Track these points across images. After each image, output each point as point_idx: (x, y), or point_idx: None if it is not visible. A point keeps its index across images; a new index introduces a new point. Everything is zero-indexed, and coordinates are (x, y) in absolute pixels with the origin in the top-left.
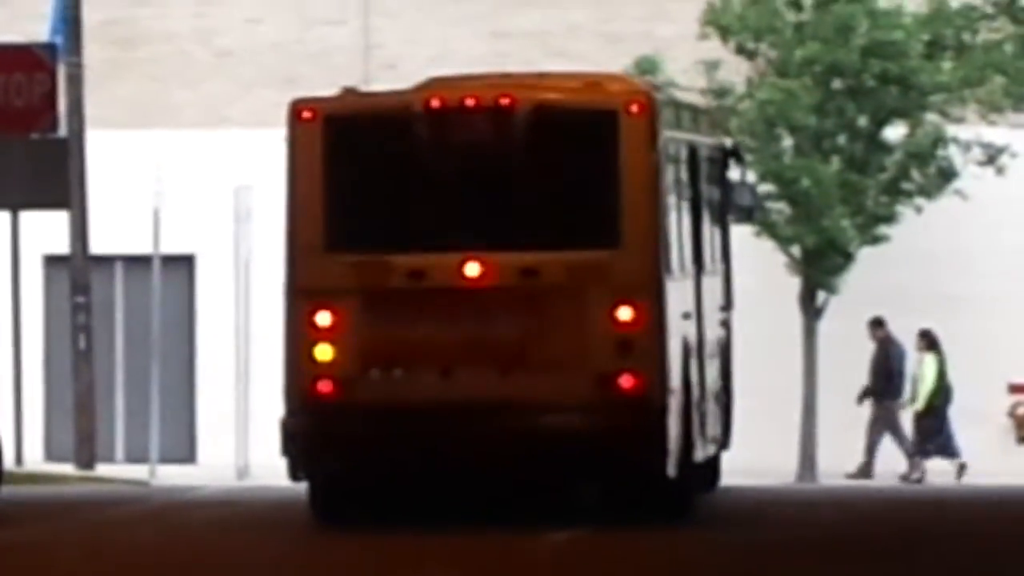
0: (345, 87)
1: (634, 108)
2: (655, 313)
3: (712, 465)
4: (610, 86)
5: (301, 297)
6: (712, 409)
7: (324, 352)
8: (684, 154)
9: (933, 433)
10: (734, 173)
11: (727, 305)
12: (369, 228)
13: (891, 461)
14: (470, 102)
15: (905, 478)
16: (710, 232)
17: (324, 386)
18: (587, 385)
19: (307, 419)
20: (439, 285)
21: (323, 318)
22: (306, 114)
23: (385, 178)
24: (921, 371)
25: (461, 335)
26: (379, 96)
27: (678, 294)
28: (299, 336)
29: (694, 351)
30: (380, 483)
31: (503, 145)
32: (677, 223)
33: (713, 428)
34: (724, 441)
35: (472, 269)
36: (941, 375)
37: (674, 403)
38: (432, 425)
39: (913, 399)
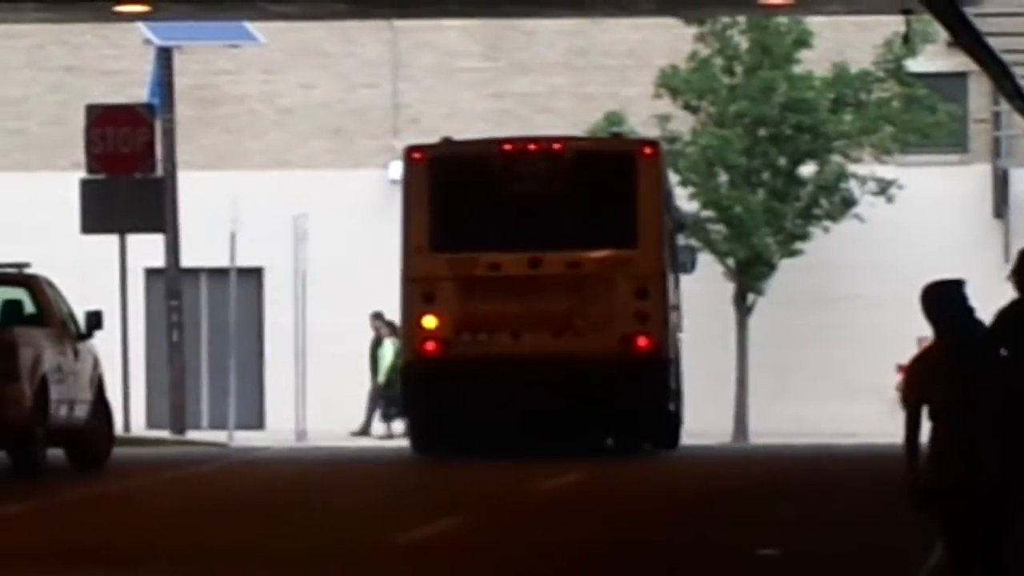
0: (443, 137)
1: (647, 151)
2: (663, 295)
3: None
4: (629, 139)
5: (413, 283)
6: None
7: (429, 321)
8: (669, 191)
9: (394, 401)
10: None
11: (679, 326)
12: (461, 234)
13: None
14: (532, 147)
15: (381, 437)
16: (679, 258)
17: (430, 346)
18: (615, 343)
19: (417, 370)
20: (510, 274)
21: (428, 298)
22: (416, 155)
23: (472, 199)
24: (382, 352)
25: (526, 309)
26: (467, 143)
27: (672, 287)
28: (412, 311)
29: (676, 333)
30: (466, 420)
31: (555, 176)
32: (670, 237)
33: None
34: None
35: (533, 263)
36: (398, 355)
37: (673, 360)
38: (505, 374)
39: (376, 375)
